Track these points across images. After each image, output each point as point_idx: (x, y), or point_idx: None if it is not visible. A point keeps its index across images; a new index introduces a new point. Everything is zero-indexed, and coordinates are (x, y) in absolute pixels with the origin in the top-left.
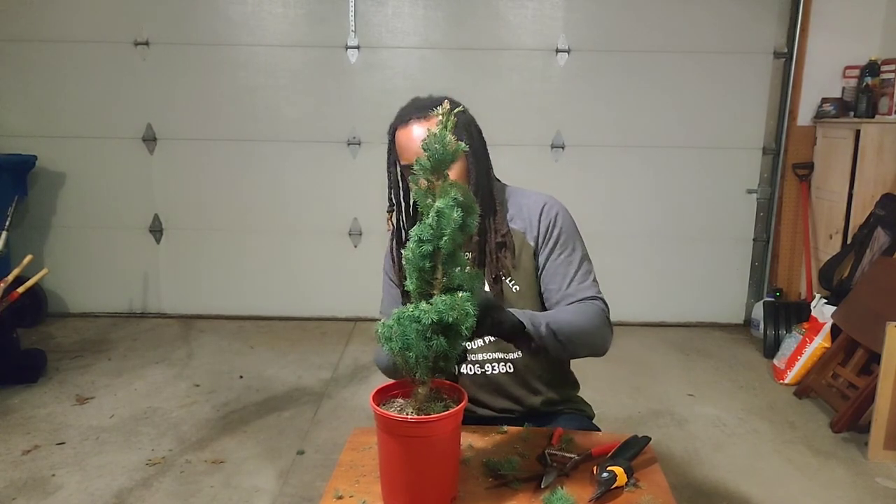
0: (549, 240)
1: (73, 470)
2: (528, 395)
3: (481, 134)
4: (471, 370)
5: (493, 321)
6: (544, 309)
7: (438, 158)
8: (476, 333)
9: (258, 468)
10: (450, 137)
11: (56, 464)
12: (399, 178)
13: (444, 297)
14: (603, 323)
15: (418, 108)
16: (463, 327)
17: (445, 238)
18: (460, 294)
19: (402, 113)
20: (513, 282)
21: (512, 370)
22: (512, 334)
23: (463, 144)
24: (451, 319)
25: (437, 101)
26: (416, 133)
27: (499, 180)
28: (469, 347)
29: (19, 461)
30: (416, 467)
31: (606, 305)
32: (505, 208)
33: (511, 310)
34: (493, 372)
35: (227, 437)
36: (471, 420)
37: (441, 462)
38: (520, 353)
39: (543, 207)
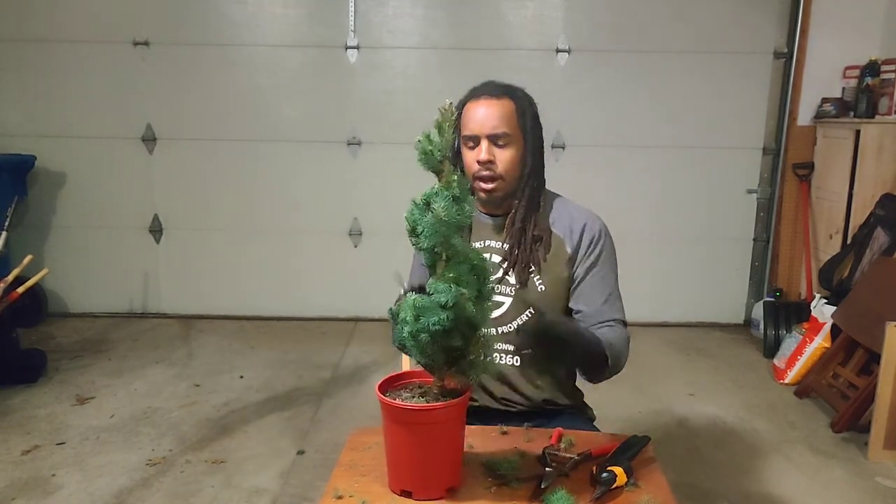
0: (590, 255)
1: (73, 470)
2: (531, 389)
3: (542, 132)
4: None
5: (581, 352)
6: (567, 314)
7: (428, 157)
8: (563, 361)
9: (258, 468)
10: (436, 136)
11: (56, 464)
12: (458, 151)
13: (439, 285)
14: (627, 350)
15: (492, 88)
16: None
17: (425, 232)
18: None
19: (477, 89)
20: (539, 280)
21: (518, 363)
22: (596, 362)
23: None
24: (449, 301)
25: (512, 86)
26: (484, 107)
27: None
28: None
29: (19, 461)
30: (416, 453)
31: (627, 328)
32: (549, 209)
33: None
34: (501, 362)
35: (227, 437)
36: (472, 411)
37: (438, 450)
38: (530, 350)
39: (588, 222)
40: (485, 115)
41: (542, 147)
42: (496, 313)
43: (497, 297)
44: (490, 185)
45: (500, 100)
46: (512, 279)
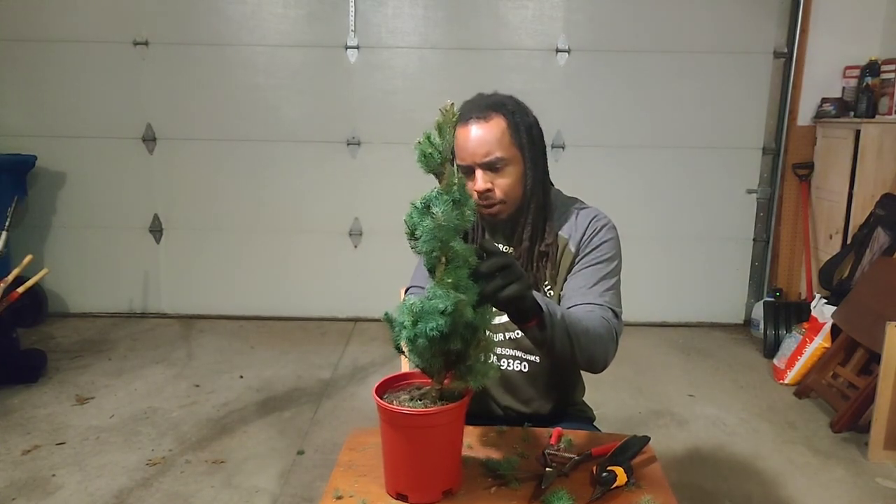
0: (588, 246)
1: (73, 470)
2: (537, 397)
3: (542, 137)
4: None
5: (507, 283)
6: None
7: (428, 160)
8: (487, 293)
9: (258, 468)
10: (436, 137)
11: (56, 464)
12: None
13: (437, 290)
14: (610, 336)
15: (479, 108)
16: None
17: (424, 237)
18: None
19: (464, 110)
20: (550, 289)
21: (527, 370)
22: (523, 310)
23: (448, 141)
24: (448, 307)
25: (500, 99)
26: (474, 133)
27: (560, 191)
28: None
29: (19, 461)
30: (413, 456)
31: (619, 322)
32: (557, 217)
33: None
34: (508, 368)
35: (227, 437)
36: (473, 419)
37: (435, 454)
38: (537, 357)
39: (594, 218)
40: (475, 143)
41: (545, 155)
42: (504, 318)
43: None
44: (492, 210)
45: (488, 120)
46: None
